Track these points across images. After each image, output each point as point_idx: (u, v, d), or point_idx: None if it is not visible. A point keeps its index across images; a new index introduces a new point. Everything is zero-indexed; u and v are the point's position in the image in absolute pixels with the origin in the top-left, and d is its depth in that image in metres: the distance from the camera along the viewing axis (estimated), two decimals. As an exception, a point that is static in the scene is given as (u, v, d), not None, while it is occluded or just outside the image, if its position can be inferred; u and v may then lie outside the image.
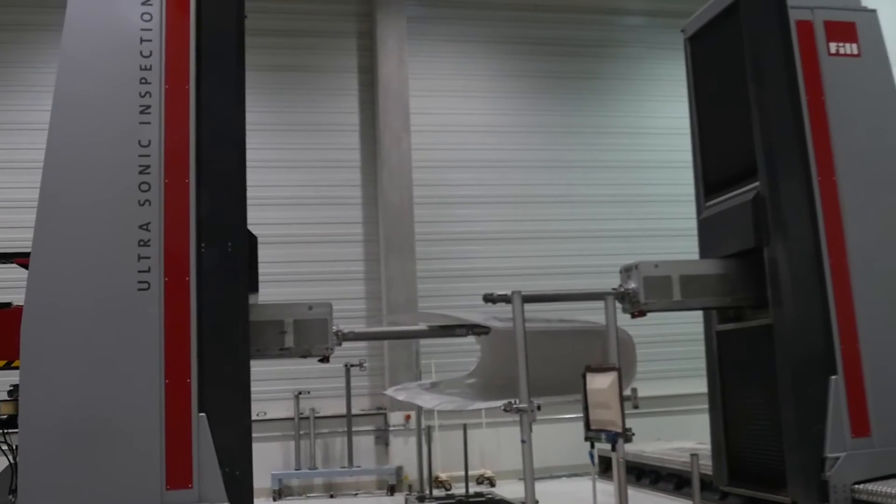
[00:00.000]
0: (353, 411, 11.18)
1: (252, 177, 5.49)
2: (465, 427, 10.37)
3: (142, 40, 5.01)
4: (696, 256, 6.79)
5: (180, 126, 4.96)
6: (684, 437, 10.26)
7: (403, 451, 11.31)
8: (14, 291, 5.68)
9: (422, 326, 7.08)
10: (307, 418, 11.12)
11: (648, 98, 13.14)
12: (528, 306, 6.11)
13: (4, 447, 5.35)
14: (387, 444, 11.45)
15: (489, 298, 5.86)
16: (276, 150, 11.84)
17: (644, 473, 9.64)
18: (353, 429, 11.14)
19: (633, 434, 5.29)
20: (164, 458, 4.66)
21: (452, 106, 12.65)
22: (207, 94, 5.04)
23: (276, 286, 10.18)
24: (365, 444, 11.44)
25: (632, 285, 5.71)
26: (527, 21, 13.12)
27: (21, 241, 5.42)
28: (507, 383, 7.17)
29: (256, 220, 5.69)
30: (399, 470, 11.05)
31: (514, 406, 5.72)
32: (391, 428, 11.46)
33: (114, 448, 4.62)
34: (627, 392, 5.40)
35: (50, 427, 4.58)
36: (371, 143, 12.38)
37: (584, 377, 5.51)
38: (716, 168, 6.32)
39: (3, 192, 10.91)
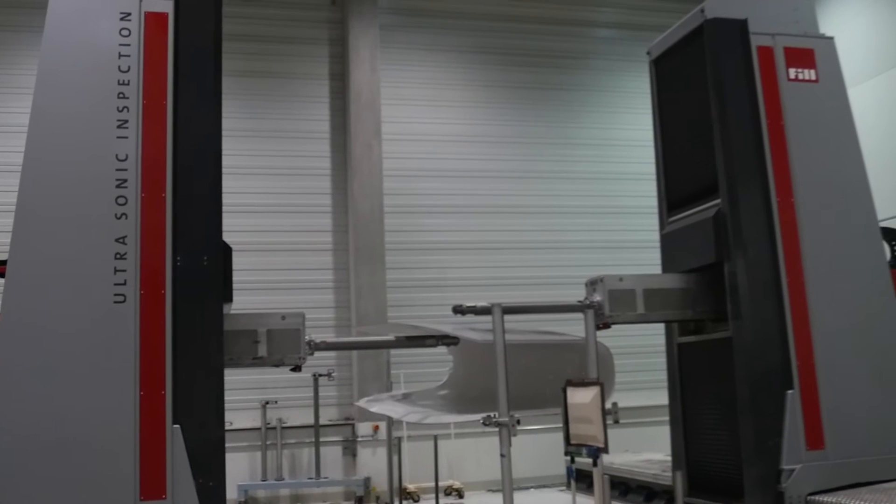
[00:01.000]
0: (321, 421, 11.31)
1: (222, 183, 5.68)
2: (435, 438, 10.51)
3: (120, 55, 5.17)
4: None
5: (157, 141, 5.13)
6: (652, 449, 10.56)
7: (371, 462, 11.47)
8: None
9: (392, 337, 7.27)
10: (274, 428, 11.24)
11: (618, 110, 13.50)
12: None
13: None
14: (354, 455, 11.62)
15: (458, 310, 6.02)
16: (245, 157, 11.95)
17: (613, 485, 9.92)
18: (321, 439, 11.26)
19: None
20: (139, 469, 4.80)
21: (424, 115, 12.91)
22: (185, 109, 5.21)
23: (243, 294, 10.22)
24: (332, 454, 11.59)
25: (597, 298, 5.97)
26: (499, 31, 13.44)
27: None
28: (480, 395, 7.24)
29: (224, 227, 5.80)
30: (367, 481, 11.16)
31: (494, 420, 5.77)
32: (359, 439, 11.62)
33: (87, 460, 4.74)
34: (608, 406, 5.47)
35: (23, 439, 4.70)
36: (341, 151, 12.59)
37: (564, 391, 5.61)
38: (678, 185, 6.65)
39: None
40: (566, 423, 5.56)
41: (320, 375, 11.12)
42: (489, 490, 11.59)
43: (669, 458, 7.16)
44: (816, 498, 5.28)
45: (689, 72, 6.28)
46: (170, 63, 5.26)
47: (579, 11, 13.89)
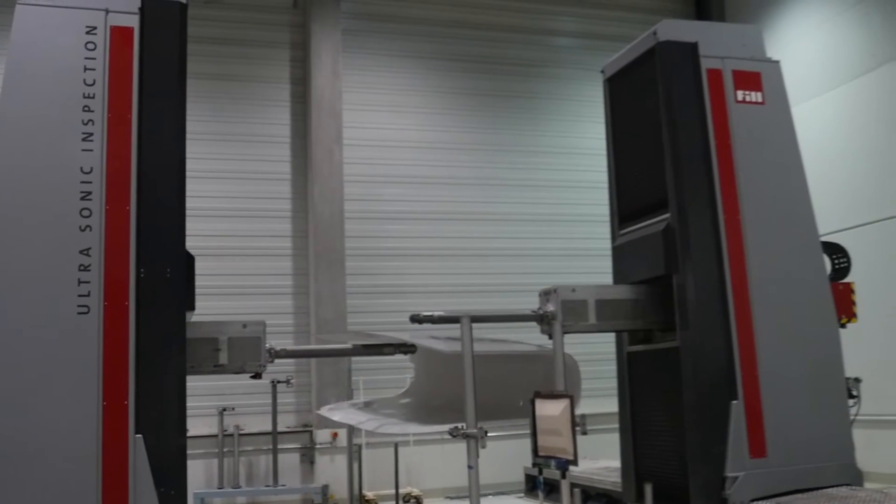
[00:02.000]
0: (279, 428, 11.44)
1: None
2: (396, 446, 10.74)
3: (85, 69, 5.36)
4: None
5: (122, 154, 5.33)
6: (607, 456, 10.91)
7: (329, 470, 11.65)
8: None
9: (349, 345, 7.50)
10: (231, 435, 11.35)
11: (577, 118, 13.86)
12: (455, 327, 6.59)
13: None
14: (312, 463, 11.79)
15: (416, 319, 6.23)
16: (205, 160, 12.02)
17: (556, 488, 10.27)
18: (279, 446, 11.38)
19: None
20: (101, 479, 5.00)
21: (386, 121, 13.15)
22: (149, 122, 5.42)
23: (202, 299, 10.34)
24: (290, 462, 11.72)
25: (550, 308, 6.28)
26: (461, 39, 13.75)
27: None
28: (443, 404, 7.43)
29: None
30: (325, 489, 11.30)
31: (462, 431, 5.89)
32: (317, 446, 11.79)
33: (50, 469, 4.92)
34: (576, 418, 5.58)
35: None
36: (302, 156, 12.77)
37: (532, 403, 5.76)
38: (629, 199, 7.01)
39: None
40: (534, 434, 5.73)
41: (279, 382, 11.29)
42: (447, 497, 11.84)
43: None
44: (758, 504, 5.66)
45: (641, 91, 6.64)
46: (135, 77, 5.47)
47: (540, 20, 14.25)
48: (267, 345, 6.20)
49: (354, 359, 11.55)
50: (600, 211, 12.66)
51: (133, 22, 5.52)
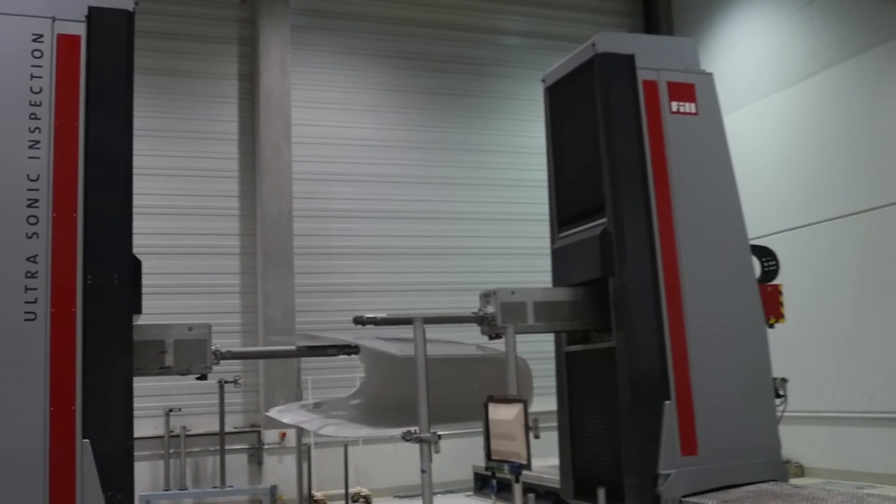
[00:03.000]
0: (227, 429, 11.58)
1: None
2: (345, 446, 10.94)
3: (32, 77, 5.52)
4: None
5: (69, 161, 5.52)
6: (557, 454, 11.34)
7: (278, 470, 11.84)
8: None
9: (293, 346, 7.76)
10: (177, 436, 11.46)
11: (526, 117, 14.12)
12: (403, 329, 6.85)
13: None
14: (260, 463, 11.96)
15: (359, 321, 6.51)
16: (150, 157, 11.92)
17: (506, 486, 10.63)
18: (226, 447, 11.53)
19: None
20: (48, 484, 5.20)
21: (335, 118, 13.36)
22: (96, 130, 5.62)
23: (148, 299, 10.44)
24: (238, 462, 11.88)
25: (490, 310, 6.63)
26: (411, 36, 14.02)
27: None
28: (393, 405, 7.69)
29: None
30: (273, 489, 11.43)
31: (416, 435, 6.09)
32: (265, 446, 11.97)
33: (-4, 476, 5.11)
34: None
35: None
36: (250, 154, 12.91)
37: (485, 406, 5.95)
38: (568, 204, 7.40)
39: None
40: (487, 438, 5.95)
41: (226, 382, 11.43)
42: (397, 496, 12.10)
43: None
44: (689, 500, 6.07)
45: (580, 100, 7.02)
46: (82, 84, 5.66)
47: (490, 19, 14.60)
48: (213, 347, 6.45)
49: (303, 358, 11.83)
50: (547, 210, 13.14)
51: (80, 30, 5.71)
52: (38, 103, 5.54)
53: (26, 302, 5.32)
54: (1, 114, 5.49)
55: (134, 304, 5.93)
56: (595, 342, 7.00)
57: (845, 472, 11.34)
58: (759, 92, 13.25)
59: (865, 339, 11.28)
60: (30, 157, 5.48)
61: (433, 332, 6.94)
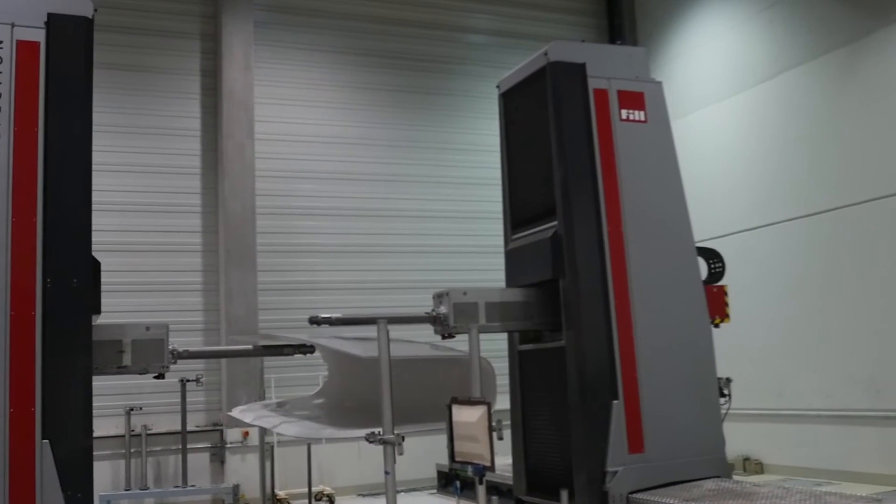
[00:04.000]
0: (188, 428, 11.73)
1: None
2: (308, 445, 11.14)
3: (-9, 82, 5.80)
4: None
5: (28, 167, 5.72)
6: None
7: (241, 469, 12.06)
8: None
9: (248, 346, 8.01)
10: (139, 435, 11.62)
11: (490, 116, 14.23)
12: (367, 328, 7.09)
13: None
14: (223, 462, 12.17)
15: (314, 321, 6.75)
16: (111, 153, 12.22)
17: (470, 484, 10.92)
18: (188, 446, 11.68)
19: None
20: (8, 484, 5.42)
21: (298, 115, 13.58)
22: (56, 135, 5.84)
23: (109, 296, 10.60)
24: (200, 462, 12.06)
25: (443, 310, 6.94)
26: (375, 34, 14.27)
27: None
28: (357, 405, 7.94)
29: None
30: (236, 488, 11.63)
31: (379, 437, 6.25)
32: (228, 445, 12.18)
33: (-44, 476, 5.32)
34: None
35: None
36: (212, 150, 13.09)
37: (449, 408, 6.10)
38: (521, 207, 7.75)
39: None
40: (451, 440, 6.12)
41: (188, 381, 11.60)
42: (360, 495, 12.38)
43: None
44: (635, 496, 6.43)
45: (533, 107, 7.35)
46: (41, 90, 5.88)
47: (455, 17, 14.91)
48: (170, 346, 6.71)
49: (266, 357, 12.04)
50: (511, 209, 13.46)
51: (39, 36, 5.91)
52: (-3, 109, 5.76)
53: (-14, 305, 5.56)
54: (-39, 119, 5.70)
55: (93, 305, 6.18)
56: (547, 341, 7.34)
57: (804, 468, 11.80)
58: (720, 93, 13.68)
59: (825, 338, 11.71)
60: (-11, 164, 5.70)
61: (396, 331, 7.23)
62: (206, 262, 12.98)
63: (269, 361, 12.12)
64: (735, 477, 10.21)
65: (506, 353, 7.97)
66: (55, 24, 5.98)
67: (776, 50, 12.72)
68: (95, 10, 6.17)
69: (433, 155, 14.34)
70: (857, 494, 6.56)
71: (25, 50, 5.89)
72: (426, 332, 7.36)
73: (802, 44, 12.27)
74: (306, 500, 11.24)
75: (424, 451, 11.46)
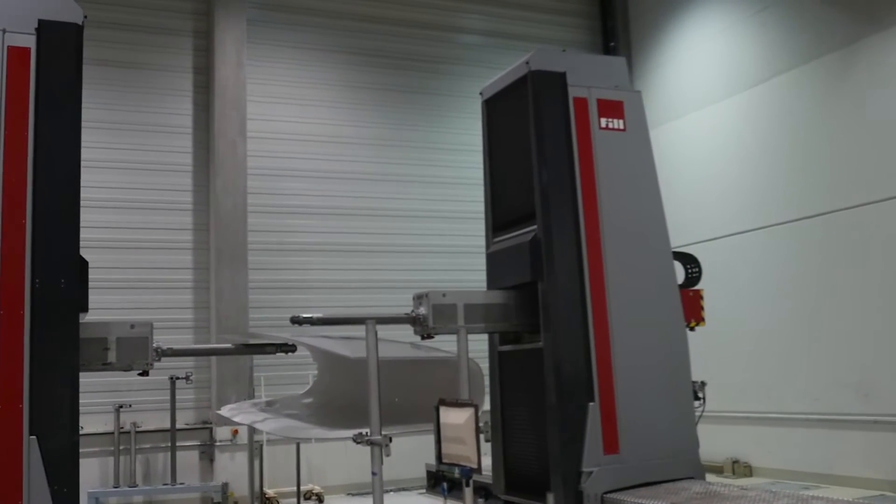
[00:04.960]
0: (178, 425, 11.95)
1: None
2: (297, 444, 11.34)
3: (-18, 87, 6.09)
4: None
5: (18, 170, 6.01)
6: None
7: (230, 467, 12.28)
8: None
9: (229, 345, 8.30)
10: (128, 433, 11.83)
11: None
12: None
13: None
14: (212, 460, 12.39)
15: (295, 320, 7.04)
16: (103, 150, 12.50)
17: (458, 485, 11.21)
18: (177, 444, 11.89)
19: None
20: (-5, 477, 5.75)
21: (291, 113, 13.84)
22: (45, 139, 6.11)
23: (100, 293, 10.80)
24: (189, 459, 12.28)
25: (422, 311, 7.25)
26: (369, 33, 14.54)
27: None
28: (346, 404, 8.18)
29: (81, 222, 6.35)
30: (225, 487, 11.86)
31: (367, 438, 6.50)
32: (217, 443, 12.41)
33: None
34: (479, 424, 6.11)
35: None
36: (204, 148, 13.32)
37: (437, 409, 6.32)
38: (502, 211, 8.07)
39: None
40: (438, 441, 6.34)
41: (177, 378, 11.84)
42: (349, 493, 12.60)
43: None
44: (609, 496, 6.74)
45: (514, 114, 7.65)
46: (31, 95, 6.16)
47: (448, 17, 15.18)
48: (154, 344, 7.02)
49: (256, 355, 12.24)
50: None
51: (30, 42, 6.20)
52: (-12, 113, 6.06)
53: (-24, 304, 5.85)
54: (-48, 123, 5.99)
55: (80, 304, 6.48)
56: (526, 342, 7.65)
57: (791, 472, 12.06)
58: (713, 96, 13.95)
59: (814, 342, 11.97)
60: (-21, 166, 5.99)
61: (384, 331, 7.44)
62: (196, 260, 13.18)
63: (259, 360, 12.39)
64: (723, 479, 10.55)
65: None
66: (46, 30, 6.26)
67: (769, 53, 12.97)
68: (85, 17, 6.45)
69: (425, 154, 14.60)
70: (843, 499, 6.82)
71: (16, 56, 6.17)
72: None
73: (795, 47, 12.51)
74: (295, 499, 11.40)
75: (414, 451, 11.63)
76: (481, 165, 14.35)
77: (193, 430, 12.59)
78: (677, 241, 12.95)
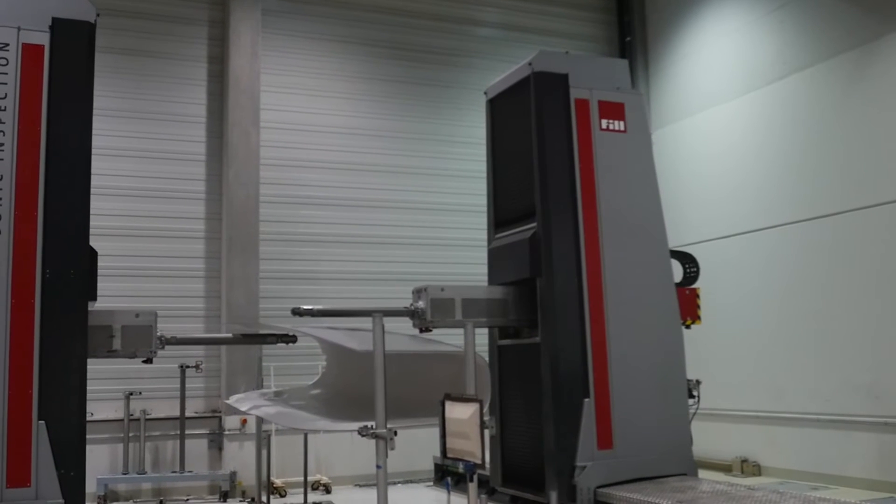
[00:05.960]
0: (187, 414, 12.26)
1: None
2: (305, 434, 11.60)
3: (-2, 83, 6.45)
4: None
5: (31, 163, 6.39)
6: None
7: (238, 456, 12.58)
8: None
9: (229, 334, 8.62)
10: (138, 420, 12.14)
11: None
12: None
13: None
14: (220, 449, 12.70)
15: (296, 312, 7.40)
16: (117, 138, 12.83)
17: (463, 478, 11.49)
18: (187, 432, 12.20)
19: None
20: (6, 460, 6.11)
21: (304, 104, 14.12)
22: (57, 134, 6.47)
23: (111, 280, 11.01)
24: (198, 448, 12.58)
25: (421, 304, 7.56)
26: (384, 24, 14.80)
27: None
28: (352, 397, 8.44)
29: (93, 210, 6.86)
30: (233, 475, 12.15)
31: (372, 431, 6.70)
32: (226, 432, 12.71)
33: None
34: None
35: None
36: (217, 137, 13.62)
37: (442, 404, 6.52)
38: (504, 208, 8.36)
39: None
40: (443, 436, 6.56)
41: (188, 367, 12.16)
42: (357, 485, 12.86)
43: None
44: (602, 490, 7.04)
45: (517, 114, 7.94)
46: (45, 91, 6.53)
47: (465, 9, 15.41)
48: (158, 332, 7.39)
49: (266, 345, 12.45)
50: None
51: (44, 40, 6.57)
52: (2, 108, 6.41)
53: (-12, 293, 6.23)
54: (-32, 118, 6.35)
55: (89, 293, 6.85)
56: (525, 337, 7.95)
57: (800, 472, 12.22)
58: (728, 93, 14.10)
59: (825, 342, 12.12)
60: (-6, 159, 6.36)
61: (392, 324, 7.62)
62: (208, 250, 13.47)
63: (269, 350, 12.50)
64: (719, 477, 10.78)
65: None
66: (59, 28, 6.63)
67: (785, 51, 13.09)
68: (98, 16, 6.79)
69: (439, 147, 14.85)
70: (850, 501, 7.03)
71: (30, 53, 6.55)
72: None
73: (812, 45, 12.63)
74: (302, 489, 11.67)
75: (423, 443, 11.71)
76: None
77: (203, 419, 12.87)
78: (688, 238, 13.25)
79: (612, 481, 7.11)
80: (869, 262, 11.61)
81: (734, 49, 14.16)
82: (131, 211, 13.00)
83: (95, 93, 7.08)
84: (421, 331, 7.66)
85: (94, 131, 6.91)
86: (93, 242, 6.97)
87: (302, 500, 11.20)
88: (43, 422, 6.23)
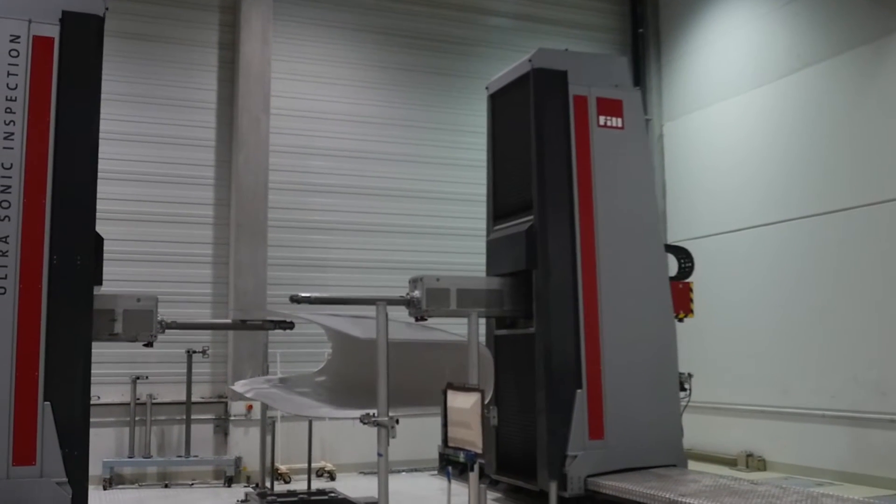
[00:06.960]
0: (194, 399, 12.61)
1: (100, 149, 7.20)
2: (310, 422, 11.74)
3: (8, 74, 6.72)
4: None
5: (40, 152, 6.74)
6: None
7: (243, 442, 12.85)
8: None
9: (228, 320, 8.94)
10: (144, 404, 12.47)
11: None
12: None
13: None
14: (226, 434, 13.01)
15: (294, 299, 7.74)
16: (127, 123, 13.12)
17: (465, 467, 11.77)
18: (192, 417, 12.56)
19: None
20: (12, 439, 6.49)
21: (315, 92, 14.40)
22: (66, 124, 6.81)
23: (119, 265, 11.50)
24: (203, 432, 12.92)
25: (416, 294, 7.88)
26: (396, 12, 15.05)
27: None
28: (358, 384, 8.65)
29: (102, 194, 7.26)
30: (238, 461, 12.48)
31: (374, 419, 6.86)
32: (232, 417, 13.01)
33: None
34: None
35: None
36: (227, 123, 13.90)
37: (444, 393, 6.64)
38: (503, 200, 8.67)
39: None
40: (445, 425, 6.70)
41: (194, 352, 12.51)
42: (361, 472, 13.14)
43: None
44: (592, 479, 7.37)
45: (517, 109, 8.24)
46: (54, 82, 6.89)
47: (477, -1, 15.58)
48: (159, 317, 7.76)
49: (272, 331, 12.66)
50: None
51: (54, 32, 6.92)
52: (13, 99, 6.78)
53: (-2, 278, 6.60)
54: (-21, 108, 6.71)
55: (95, 278, 7.22)
56: (521, 328, 8.27)
57: (805, 467, 12.41)
58: (740, 86, 14.25)
59: (833, 338, 12.29)
60: (4, 148, 6.72)
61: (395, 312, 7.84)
62: (217, 235, 13.77)
63: (275, 337, 12.75)
64: (735, 473, 11.01)
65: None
66: (69, 21, 6.97)
67: (799, 44, 13.22)
68: (107, 9, 7.12)
69: (452, 137, 15.10)
70: (853, 497, 7.25)
71: (40, 45, 6.90)
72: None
73: (826, 39, 12.77)
74: (307, 476, 11.67)
75: (427, 431, 11.59)
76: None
77: (209, 404, 13.17)
78: (698, 232, 13.48)
79: (602, 471, 7.42)
80: (878, 258, 11.74)
81: (747, 42, 14.31)
82: (140, 196, 13.27)
83: (105, 77, 7.37)
84: (416, 319, 7.97)
85: (103, 116, 7.25)
86: (102, 226, 7.30)
87: (306, 487, 11.43)
88: (48, 403, 6.59)
